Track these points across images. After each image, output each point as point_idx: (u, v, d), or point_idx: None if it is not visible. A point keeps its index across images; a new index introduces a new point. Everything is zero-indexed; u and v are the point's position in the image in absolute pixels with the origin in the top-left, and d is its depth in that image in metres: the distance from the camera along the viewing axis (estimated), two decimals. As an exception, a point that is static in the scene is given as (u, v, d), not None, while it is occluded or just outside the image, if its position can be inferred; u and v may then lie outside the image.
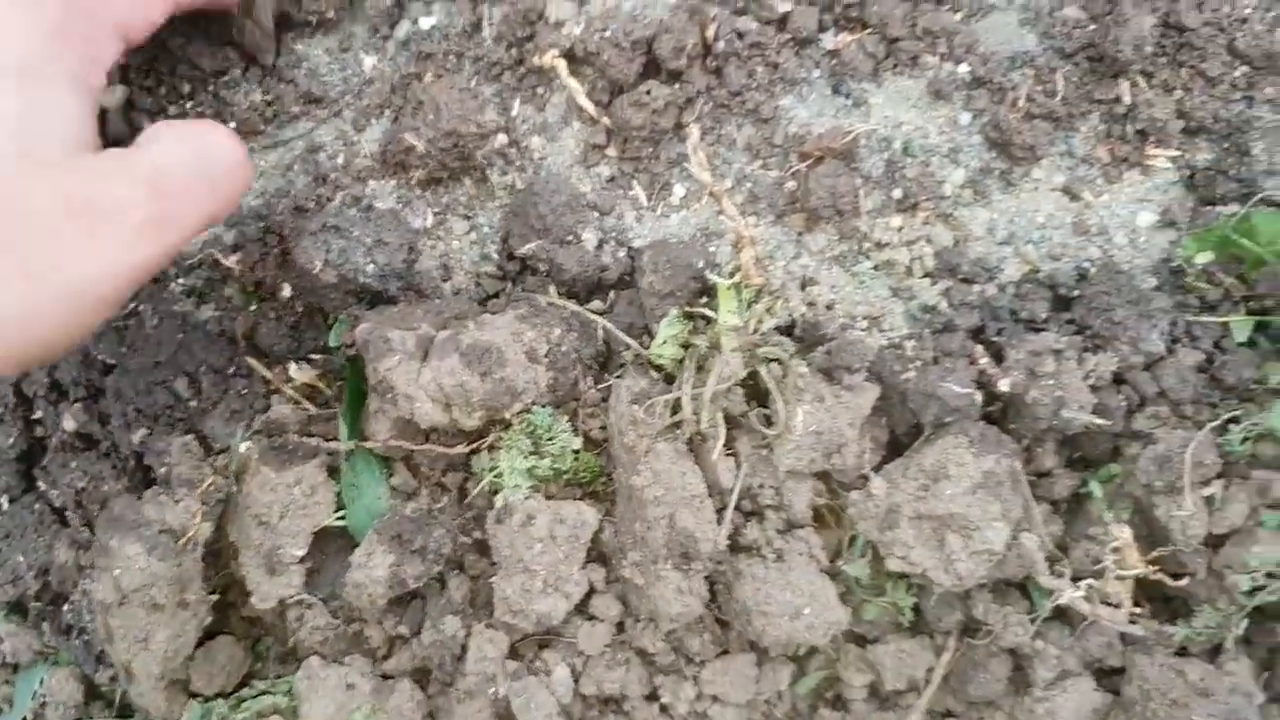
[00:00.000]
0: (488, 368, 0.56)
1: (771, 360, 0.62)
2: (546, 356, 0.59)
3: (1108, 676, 0.63)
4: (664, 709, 0.63)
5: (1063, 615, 0.63)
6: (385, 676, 0.63)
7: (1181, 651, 0.61)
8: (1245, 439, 0.59)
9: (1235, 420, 0.60)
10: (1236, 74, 0.63)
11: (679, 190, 0.66)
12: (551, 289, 0.64)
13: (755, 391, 0.63)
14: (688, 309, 0.62)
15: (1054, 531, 0.63)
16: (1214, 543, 0.60)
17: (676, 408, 0.61)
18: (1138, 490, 0.60)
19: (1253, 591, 0.58)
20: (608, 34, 0.64)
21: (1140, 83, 0.64)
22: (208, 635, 0.65)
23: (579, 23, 0.66)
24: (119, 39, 0.53)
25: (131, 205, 0.46)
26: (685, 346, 0.62)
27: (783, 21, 0.66)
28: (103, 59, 0.52)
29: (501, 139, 0.66)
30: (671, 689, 0.63)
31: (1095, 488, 0.62)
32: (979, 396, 0.61)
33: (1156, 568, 0.60)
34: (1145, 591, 0.63)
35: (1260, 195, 0.61)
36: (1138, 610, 0.61)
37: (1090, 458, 0.63)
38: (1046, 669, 0.61)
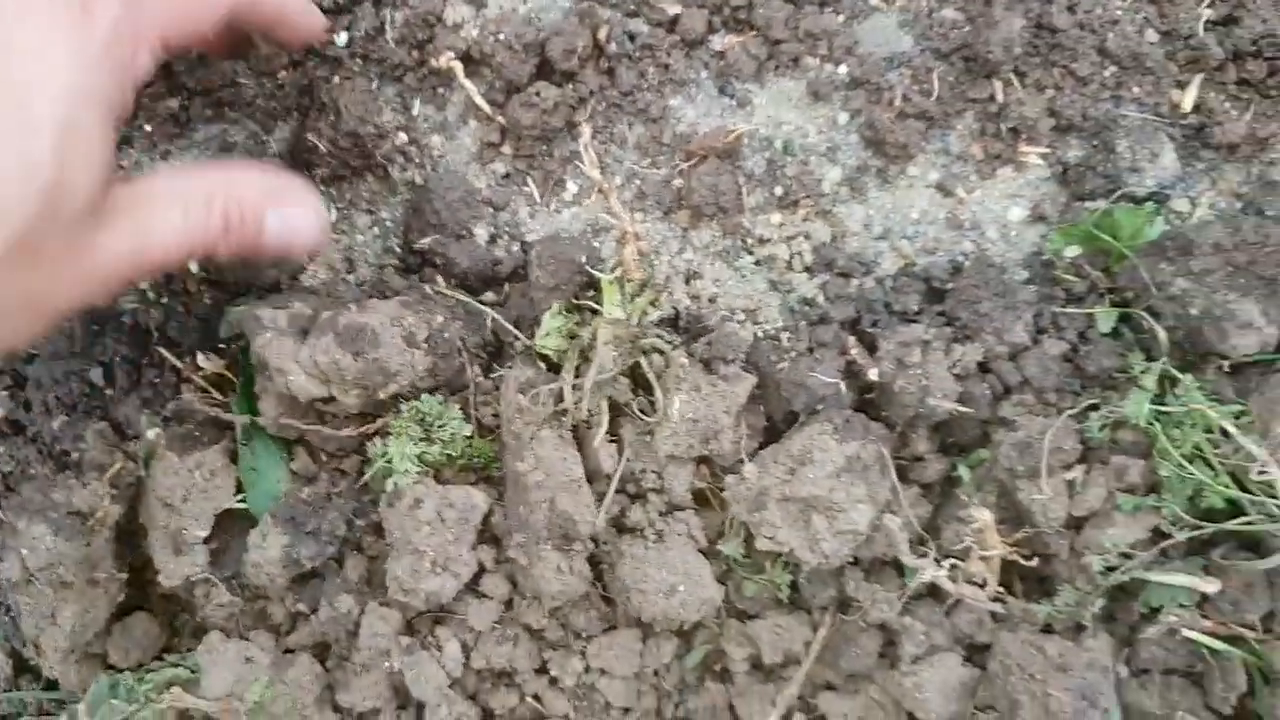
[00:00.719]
0: (361, 347, 0.59)
1: (654, 351, 0.64)
2: (426, 341, 0.62)
3: (979, 652, 0.66)
4: (553, 681, 0.67)
5: (937, 594, 0.66)
6: (288, 651, 0.66)
7: (1048, 629, 0.64)
8: (1104, 426, 0.62)
9: (1096, 408, 0.62)
10: (1106, 74, 0.65)
11: (572, 187, 0.69)
12: (439, 279, 0.67)
13: (642, 380, 0.66)
14: (574, 301, 0.65)
15: (924, 513, 0.66)
16: (1075, 525, 0.63)
17: (561, 396, 0.64)
18: (1002, 474, 0.63)
19: (1107, 571, 0.61)
20: (502, 37, 0.67)
21: (1013, 82, 0.66)
22: (126, 611, 0.69)
23: (475, 26, 0.68)
24: (155, 54, 0.48)
25: (116, 264, 0.47)
26: (572, 338, 0.65)
27: (673, 24, 0.68)
28: (138, 80, 0.47)
29: (402, 137, 0.69)
30: (560, 663, 0.66)
31: (964, 472, 0.65)
32: (844, 385, 0.63)
33: (1017, 549, 0.62)
34: (1019, 571, 0.65)
35: (1122, 191, 0.63)
36: (1002, 589, 0.64)
37: (962, 443, 0.66)
38: (913, 644, 0.64)
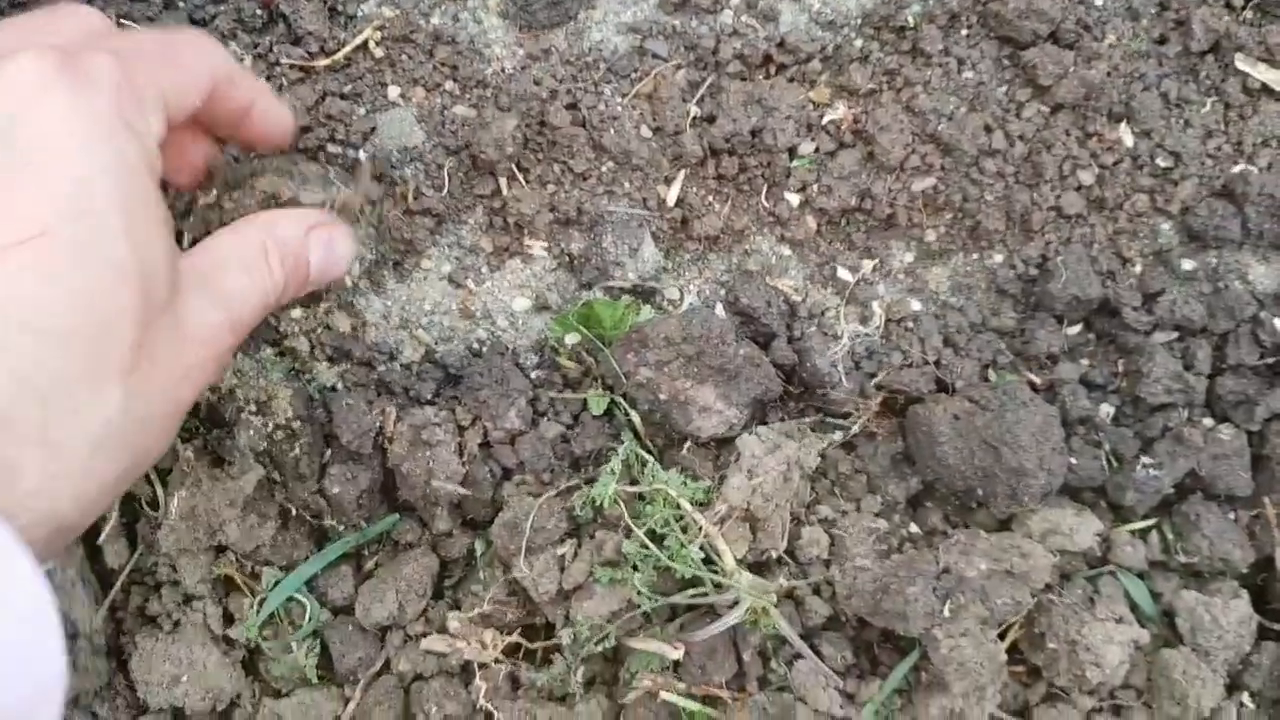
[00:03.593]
0: None
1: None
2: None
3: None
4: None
5: (468, 669, 0.69)
6: None
7: (553, 695, 0.68)
8: (585, 504, 0.66)
9: (581, 487, 0.67)
10: (603, 170, 0.69)
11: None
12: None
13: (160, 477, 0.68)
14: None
15: (450, 586, 0.70)
16: (567, 597, 0.67)
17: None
18: (501, 552, 0.67)
19: (582, 643, 0.65)
20: None
21: (516, 177, 0.69)
22: None
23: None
24: (161, 115, 0.46)
25: (217, 336, 0.47)
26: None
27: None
28: (159, 136, 0.45)
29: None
30: (90, 754, 0.68)
31: (479, 547, 0.69)
32: (353, 475, 0.66)
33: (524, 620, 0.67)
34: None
35: (601, 285, 0.68)
36: (514, 658, 0.68)
37: (478, 520, 0.70)
38: (432, 703, 0.67)
